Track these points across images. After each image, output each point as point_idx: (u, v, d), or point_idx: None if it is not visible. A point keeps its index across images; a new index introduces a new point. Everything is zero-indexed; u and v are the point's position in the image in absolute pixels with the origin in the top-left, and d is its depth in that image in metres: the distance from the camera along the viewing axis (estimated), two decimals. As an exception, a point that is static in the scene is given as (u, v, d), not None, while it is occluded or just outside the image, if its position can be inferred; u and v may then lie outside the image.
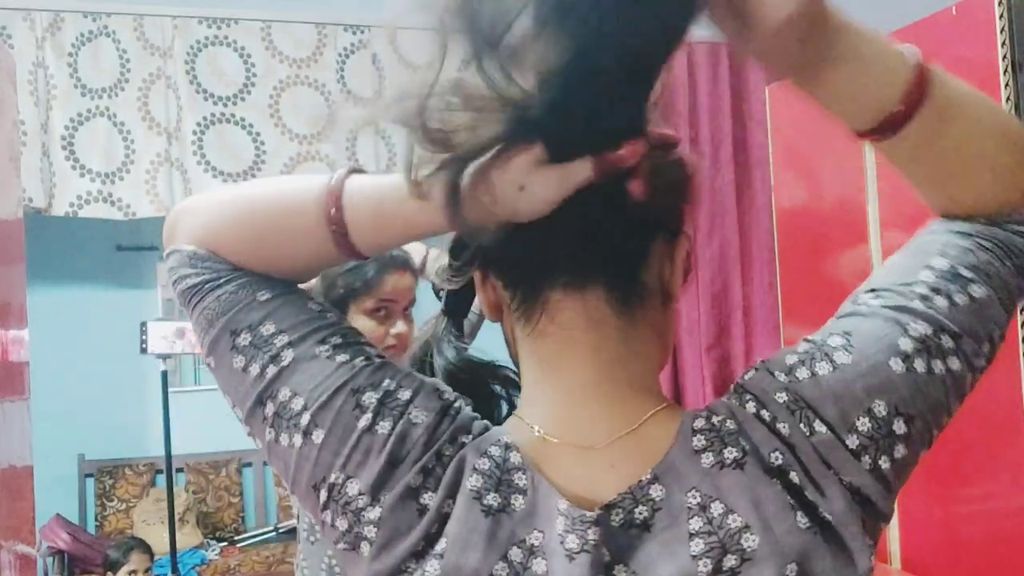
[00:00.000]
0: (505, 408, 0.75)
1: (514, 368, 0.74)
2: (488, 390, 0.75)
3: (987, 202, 0.70)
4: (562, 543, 0.61)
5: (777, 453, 0.63)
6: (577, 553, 0.60)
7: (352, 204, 0.68)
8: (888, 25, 2.19)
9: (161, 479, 4.53)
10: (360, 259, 0.71)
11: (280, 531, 4.51)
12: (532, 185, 0.60)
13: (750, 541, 0.60)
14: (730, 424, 0.64)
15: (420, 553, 0.62)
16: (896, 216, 2.21)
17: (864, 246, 2.30)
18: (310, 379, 0.67)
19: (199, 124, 3.63)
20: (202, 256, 0.71)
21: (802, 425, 0.63)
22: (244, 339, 0.69)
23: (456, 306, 0.79)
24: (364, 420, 0.65)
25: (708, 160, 3.53)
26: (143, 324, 3.44)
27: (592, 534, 0.60)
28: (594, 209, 0.63)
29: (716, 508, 0.61)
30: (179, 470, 4.54)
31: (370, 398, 0.66)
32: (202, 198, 0.75)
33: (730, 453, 0.63)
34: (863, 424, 0.63)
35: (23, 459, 2.11)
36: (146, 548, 3.76)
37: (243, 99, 3.68)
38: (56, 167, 3.47)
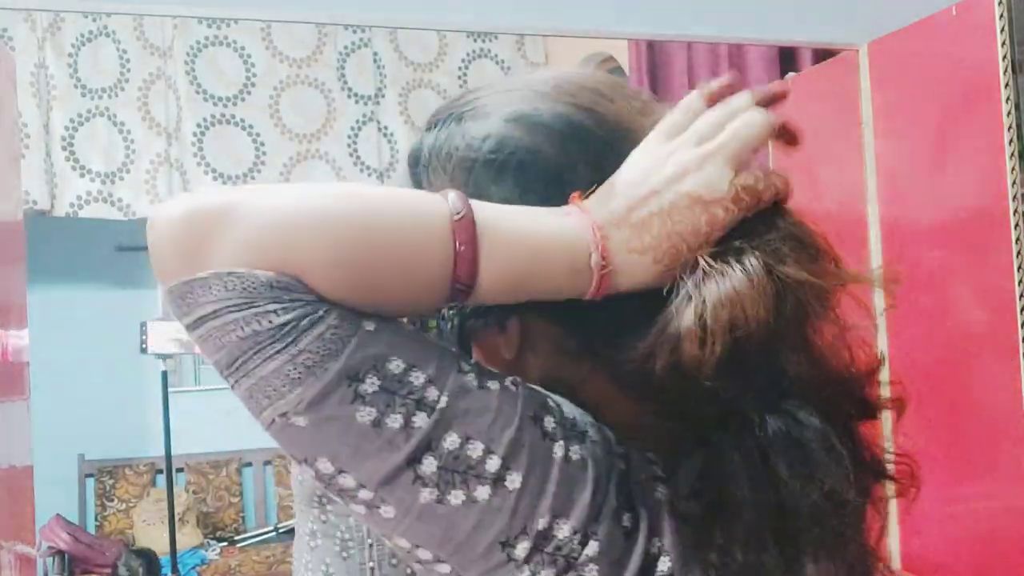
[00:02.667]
0: None
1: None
2: None
3: None
4: None
5: None
6: None
7: (490, 256, 0.55)
8: (888, 25, 2.19)
9: (161, 479, 4.53)
10: (460, 309, 0.59)
11: (280, 531, 4.51)
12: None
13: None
14: None
15: None
16: (896, 217, 2.21)
17: (864, 247, 2.31)
18: (479, 417, 0.54)
19: (199, 125, 3.63)
20: (286, 285, 0.52)
21: None
22: (371, 384, 0.52)
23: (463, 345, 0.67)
24: (559, 449, 0.55)
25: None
26: (143, 324, 3.44)
27: None
28: None
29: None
30: (179, 470, 4.54)
31: (550, 423, 0.56)
32: (262, 195, 0.54)
33: None
34: None
35: (23, 459, 2.11)
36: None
37: (243, 99, 3.69)
38: (56, 167, 3.48)
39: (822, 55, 2.50)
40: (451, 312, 0.65)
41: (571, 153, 0.62)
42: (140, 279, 4.77)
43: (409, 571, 1.77)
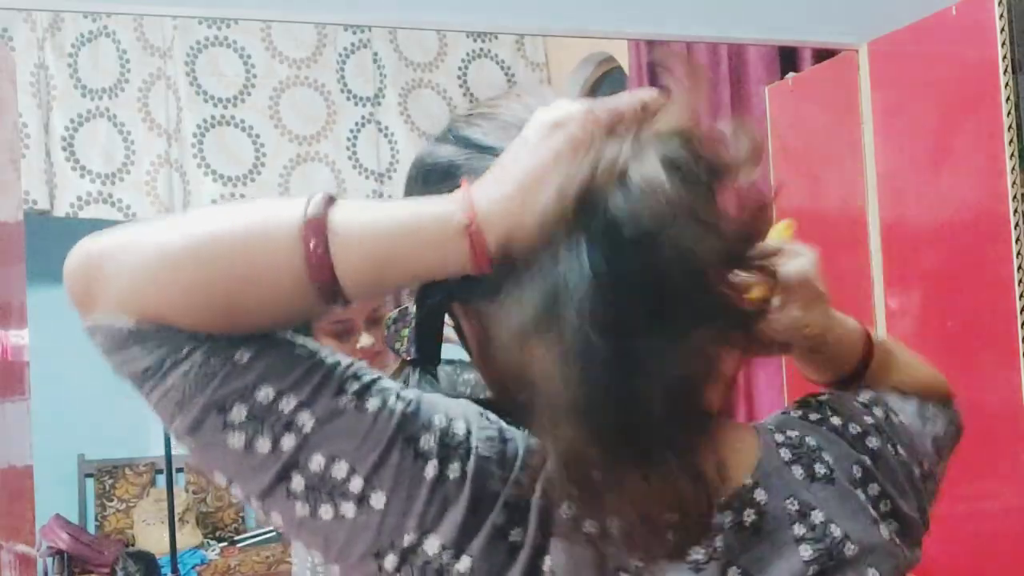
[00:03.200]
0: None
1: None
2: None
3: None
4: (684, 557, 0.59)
5: (857, 467, 0.69)
6: (706, 563, 0.60)
7: (342, 247, 0.55)
8: (888, 25, 2.19)
9: (161, 479, 4.52)
10: (344, 306, 0.58)
11: (280, 531, 4.51)
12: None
13: (851, 550, 0.64)
14: (811, 440, 0.68)
15: None
16: (896, 217, 2.21)
17: (864, 247, 2.31)
18: (347, 439, 0.56)
19: (199, 126, 3.63)
20: (147, 332, 0.56)
21: (888, 445, 0.72)
22: (238, 413, 0.56)
23: (428, 353, 0.67)
24: (431, 469, 0.57)
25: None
26: (143, 324, 3.44)
27: (719, 541, 0.61)
28: None
29: (816, 516, 0.64)
30: (179, 470, 4.53)
31: (428, 442, 0.57)
32: (122, 244, 0.58)
33: (820, 468, 0.67)
34: (919, 467, 0.75)
35: (23, 459, 2.11)
36: None
37: (243, 100, 3.69)
38: (56, 168, 3.48)
39: (822, 55, 2.50)
40: (403, 319, 0.69)
41: (462, 152, 0.65)
42: (140, 279, 4.77)
43: None
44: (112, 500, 4.54)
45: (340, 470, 0.56)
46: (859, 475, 0.68)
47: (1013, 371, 1.84)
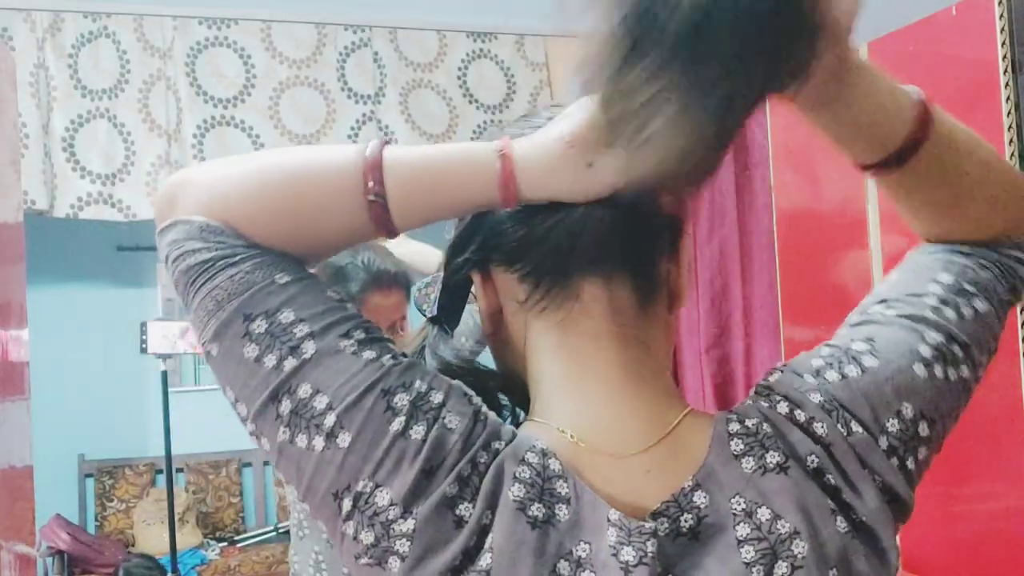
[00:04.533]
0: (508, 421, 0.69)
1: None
2: (492, 398, 0.69)
3: (981, 231, 0.74)
4: (615, 555, 0.59)
5: (813, 456, 0.64)
6: (635, 566, 0.59)
7: (395, 176, 0.63)
8: (888, 25, 2.19)
9: (161, 479, 4.53)
10: (394, 235, 0.66)
11: (280, 531, 4.51)
12: (597, 164, 0.62)
13: (800, 547, 0.61)
14: (767, 427, 0.64)
15: (458, 568, 0.58)
16: (896, 216, 2.21)
17: (864, 247, 2.30)
18: (335, 376, 0.61)
19: (199, 126, 3.63)
20: (215, 229, 0.63)
21: (839, 425, 0.65)
22: (259, 326, 0.62)
23: (449, 313, 0.74)
24: (397, 424, 0.60)
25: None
26: (143, 324, 3.44)
27: (651, 546, 0.59)
28: (626, 207, 0.64)
29: (763, 513, 0.61)
30: (179, 470, 4.54)
31: (402, 400, 0.61)
32: (209, 167, 0.67)
33: (772, 457, 0.63)
34: (893, 425, 0.66)
35: (23, 459, 2.11)
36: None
37: (243, 100, 3.69)
38: (56, 168, 3.48)
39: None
40: (434, 284, 0.74)
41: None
42: (140, 279, 4.77)
43: None
44: (112, 500, 4.54)
45: (320, 402, 0.61)
46: (814, 464, 0.64)
47: (1013, 371, 1.84)
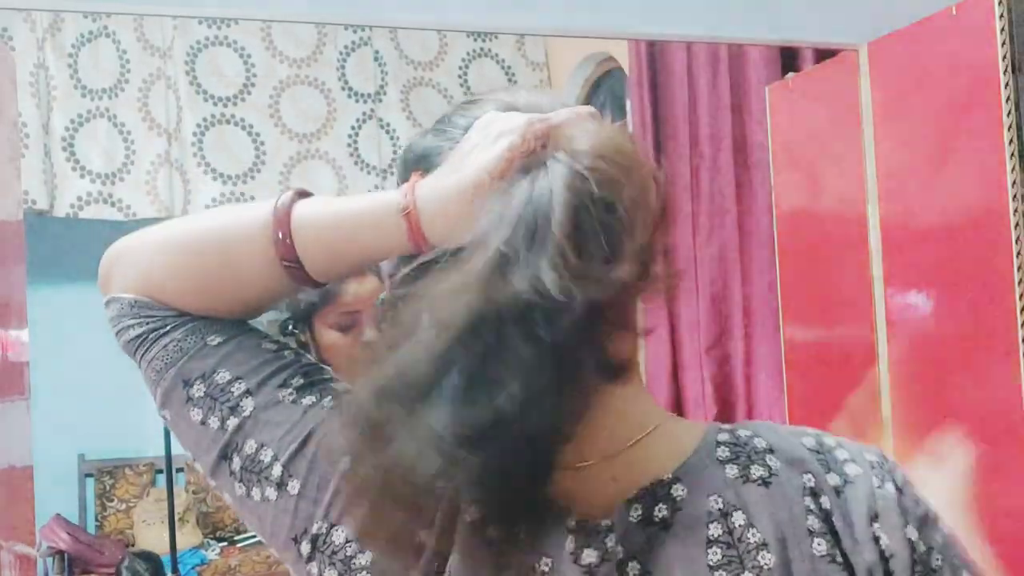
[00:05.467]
0: None
1: None
2: None
3: None
4: (576, 561, 0.59)
5: (810, 475, 0.63)
6: (598, 566, 0.59)
7: (303, 231, 0.64)
8: (888, 25, 2.19)
9: (161, 479, 4.53)
10: (314, 287, 0.67)
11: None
12: None
13: (766, 559, 0.60)
14: (759, 443, 0.64)
15: None
16: (896, 216, 2.21)
17: (864, 246, 2.31)
18: (276, 428, 0.64)
19: (199, 125, 3.63)
20: (144, 304, 0.67)
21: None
22: (198, 389, 0.65)
23: None
24: (343, 463, 0.59)
25: (708, 160, 3.53)
26: (143, 324, 3.44)
27: (610, 540, 0.60)
28: None
29: (738, 518, 0.61)
30: (179, 470, 4.53)
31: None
32: (135, 240, 0.70)
33: (756, 471, 0.63)
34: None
35: (23, 459, 2.11)
36: None
37: (243, 99, 3.69)
38: (56, 168, 3.48)
39: (822, 55, 2.49)
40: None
41: (439, 141, 0.69)
42: (140, 279, 4.77)
43: None
44: (112, 500, 4.53)
45: (266, 455, 0.64)
46: (810, 484, 0.63)
47: (1013, 371, 1.84)
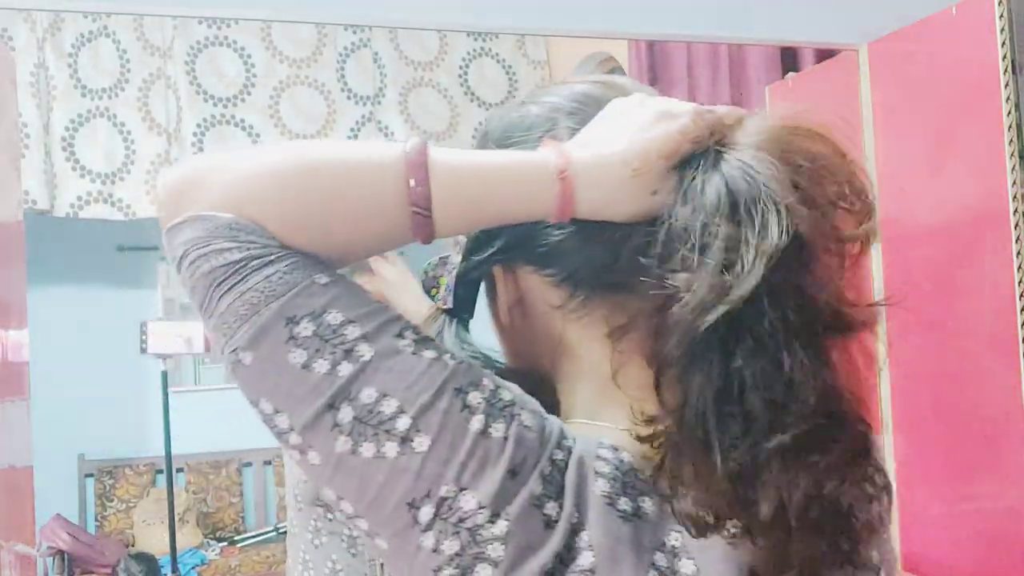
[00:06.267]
0: None
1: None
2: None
3: None
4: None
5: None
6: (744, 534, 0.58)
7: (442, 179, 0.59)
8: (888, 25, 2.19)
9: (161, 479, 4.53)
10: (428, 242, 0.62)
11: (280, 531, 4.51)
12: (662, 191, 0.61)
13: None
14: None
15: (551, 571, 0.55)
16: (896, 216, 2.21)
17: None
18: (400, 377, 0.57)
19: (199, 125, 3.64)
20: (245, 227, 0.57)
21: None
22: (305, 328, 0.56)
23: (465, 304, 0.72)
24: (476, 423, 0.56)
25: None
26: (143, 324, 3.44)
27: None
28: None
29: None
30: (179, 470, 4.54)
31: (476, 398, 0.57)
32: (231, 159, 0.61)
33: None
34: None
35: (23, 459, 2.11)
36: None
37: (243, 100, 3.69)
38: (56, 168, 3.48)
39: (822, 55, 2.50)
40: (442, 267, 0.71)
41: (547, 114, 0.68)
42: (140, 279, 4.77)
43: None
44: (112, 500, 4.54)
45: (389, 406, 0.56)
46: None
47: (1013, 371, 1.84)
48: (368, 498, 0.57)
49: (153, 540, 4.30)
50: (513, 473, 0.56)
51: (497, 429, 0.57)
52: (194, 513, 4.54)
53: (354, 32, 3.79)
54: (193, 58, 3.64)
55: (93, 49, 3.54)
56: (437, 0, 2.13)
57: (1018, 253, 1.84)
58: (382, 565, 1.63)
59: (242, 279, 0.57)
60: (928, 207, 2.10)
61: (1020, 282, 1.83)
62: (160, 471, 4.47)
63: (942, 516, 2.11)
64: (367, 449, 0.56)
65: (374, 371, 0.56)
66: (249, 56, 3.69)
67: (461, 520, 0.55)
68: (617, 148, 0.60)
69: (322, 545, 1.61)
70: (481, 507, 0.55)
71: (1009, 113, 1.85)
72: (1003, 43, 1.86)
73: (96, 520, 4.53)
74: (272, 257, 0.57)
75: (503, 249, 0.66)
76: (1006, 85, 1.86)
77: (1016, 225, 1.84)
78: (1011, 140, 1.85)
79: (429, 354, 0.58)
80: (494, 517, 0.55)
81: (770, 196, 0.57)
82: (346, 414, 0.56)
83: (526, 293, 0.67)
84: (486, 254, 0.67)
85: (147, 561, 4.12)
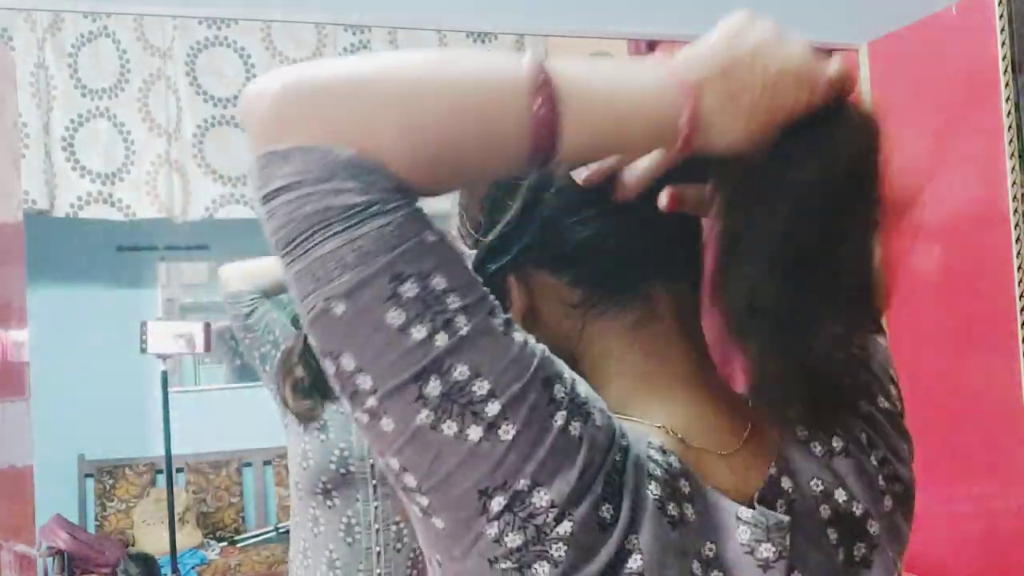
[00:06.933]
0: None
1: None
2: None
3: None
4: (751, 552, 0.59)
5: (863, 432, 0.67)
6: (775, 562, 0.59)
7: (572, 102, 0.53)
8: (888, 25, 2.19)
9: (161, 479, 4.53)
10: (545, 165, 0.57)
11: (280, 531, 4.51)
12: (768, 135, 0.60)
13: (873, 527, 0.64)
14: None
15: (605, 574, 0.55)
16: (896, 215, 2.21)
17: (864, 246, 2.31)
18: (494, 360, 0.53)
19: (199, 125, 3.64)
20: (367, 167, 0.52)
21: (881, 397, 0.71)
22: (410, 289, 0.52)
23: None
24: (560, 419, 0.54)
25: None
26: (143, 324, 3.44)
27: (787, 540, 0.59)
28: (684, 216, 0.64)
29: (840, 495, 0.63)
30: (179, 470, 4.54)
31: (560, 392, 0.55)
32: (350, 74, 0.54)
33: (837, 442, 0.65)
34: (900, 403, 0.73)
35: (23, 459, 2.11)
36: None
37: (243, 99, 3.69)
38: (56, 168, 3.48)
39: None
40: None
41: None
42: (140, 279, 4.77)
43: (411, 555, 1.77)
44: (112, 500, 4.54)
45: (481, 387, 0.53)
46: (865, 440, 0.67)
47: (1013, 371, 1.84)
48: (438, 477, 0.54)
49: (153, 540, 4.30)
50: (583, 474, 0.54)
51: (575, 427, 0.55)
52: (194, 513, 4.54)
53: (354, 33, 3.79)
54: (193, 58, 3.64)
55: (93, 49, 3.54)
56: (437, 1, 2.13)
57: (1018, 253, 1.84)
58: (378, 554, 1.64)
59: (353, 225, 0.52)
60: (928, 207, 2.10)
61: (1020, 282, 1.83)
62: (160, 471, 4.47)
63: (942, 516, 2.11)
64: (449, 427, 0.53)
65: (469, 347, 0.53)
66: (249, 56, 3.69)
67: (531, 516, 0.53)
68: (746, 106, 0.57)
69: (320, 533, 1.62)
70: (553, 506, 0.53)
71: (1009, 113, 1.85)
72: (1003, 43, 1.86)
73: (96, 520, 4.53)
74: (391, 205, 0.52)
75: (521, 253, 0.65)
76: (1006, 85, 1.86)
77: (1016, 225, 1.84)
78: (1011, 140, 1.85)
79: (519, 337, 0.55)
80: (561, 517, 0.54)
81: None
82: (435, 387, 0.53)
83: (539, 299, 0.66)
84: (503, 262, 0.65)
85: (147, 561, 4.12)
